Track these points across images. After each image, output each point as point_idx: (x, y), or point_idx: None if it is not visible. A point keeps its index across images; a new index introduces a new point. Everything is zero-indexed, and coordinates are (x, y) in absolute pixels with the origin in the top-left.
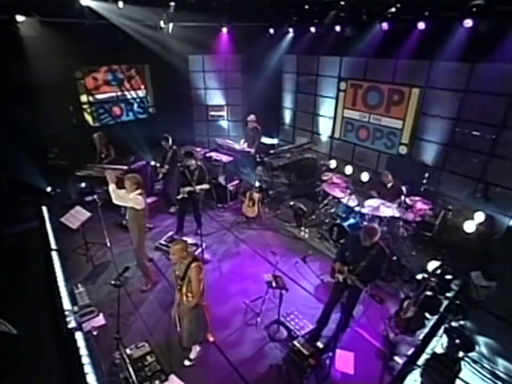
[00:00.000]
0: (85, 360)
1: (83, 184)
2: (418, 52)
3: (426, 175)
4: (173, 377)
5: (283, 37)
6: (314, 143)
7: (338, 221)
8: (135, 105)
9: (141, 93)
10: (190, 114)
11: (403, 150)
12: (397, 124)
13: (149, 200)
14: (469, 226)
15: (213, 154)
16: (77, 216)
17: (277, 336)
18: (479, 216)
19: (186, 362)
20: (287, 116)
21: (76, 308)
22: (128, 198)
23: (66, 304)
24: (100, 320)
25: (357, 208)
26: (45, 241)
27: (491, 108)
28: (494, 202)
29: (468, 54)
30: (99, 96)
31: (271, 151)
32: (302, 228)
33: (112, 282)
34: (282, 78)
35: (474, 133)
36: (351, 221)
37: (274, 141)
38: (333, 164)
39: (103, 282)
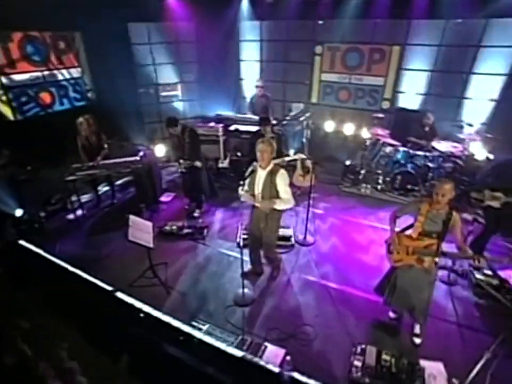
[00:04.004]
0: None
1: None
2: (396, 11)
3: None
4: (425, 363)
5: None
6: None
7: (400, 169)
8: (70, 90)
9: (76, 73)
10: (136, 96)
11: (385, 105)
12: (378, 81)
13: (167, 198)
14: (480, 155)
15: (238, 126)
16: (141, 229)
17: None
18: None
19: (417, 340)
20: (251, 88)
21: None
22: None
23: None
24: (276, 351)
25: (422, 152)
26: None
27: (462, 57)
28: None
29: (441, 11)
30: (17, 77)
31: (284, 119)
32: (363, 185)
33: None
34: (241, 47)
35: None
36: (411, 165)
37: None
38: (329, 126)
39: (224, 306)
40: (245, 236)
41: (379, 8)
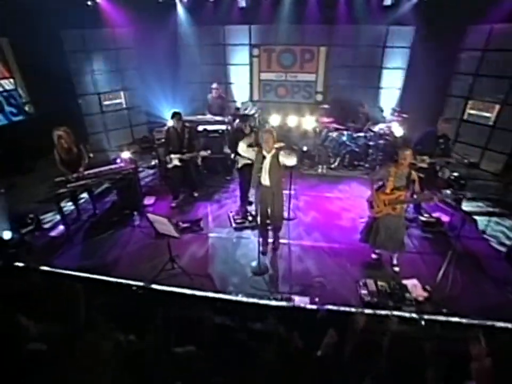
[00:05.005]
0: None
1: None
2: (321, 17)
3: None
4: (406, 282)
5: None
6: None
7: (347, 149)
8: (4, 103)
9: (9, 84)
10: (77, 107)
11: (319, 97)
12: (311, 77)
13: (150, 201)
14: (398, 132)
15: (206, 126)
16: (162, 223)
17: None
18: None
19: (396, 268)
20: (194, 91)
21: None
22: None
23: None
24: (303, 299)
25: (362, 134)
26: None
27: (375, 55)
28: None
29: (356, 18)
30: None
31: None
32: (319, 166)
33: None
34: (182, 52)
35: None
36: (355, 145)
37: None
38: (275, 120)
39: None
40: (240, 220)
41: (307, 15)
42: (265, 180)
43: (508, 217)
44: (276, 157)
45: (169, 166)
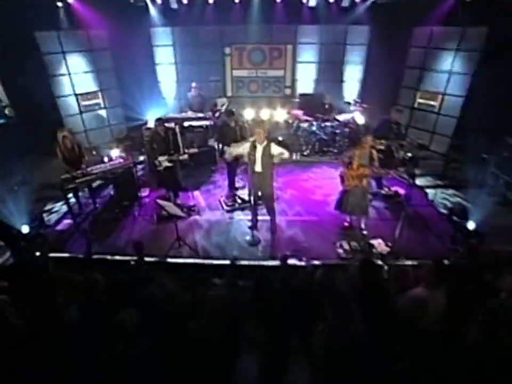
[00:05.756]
0: None
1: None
2: (287, 18)
3: (327, 99)
4: (372, 241)
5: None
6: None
7: (317, 137)
8: None
9: None
10: (55, 108)
11: (287, 91)
12: (280, 73)
13: (145, 193)
14: (360, 121)
15: (191, 122)
16: (169, 205)
17: None
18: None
19: (364, 232)
20: (169, 90)
21: None
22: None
23: None
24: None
25: (329, 123)
26: None
27: (337, 52)
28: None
29: (319, 18)
30: None
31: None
32: (293, 153)
33: None
34: (155, 52)
35: None
36: (323, 133)
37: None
38: (249, 114)
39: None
40: (230, 203)
41: (274, 15)
42: (258, 167)
43: (449, 188)
44: (267, 147)
45: (160, 168)
